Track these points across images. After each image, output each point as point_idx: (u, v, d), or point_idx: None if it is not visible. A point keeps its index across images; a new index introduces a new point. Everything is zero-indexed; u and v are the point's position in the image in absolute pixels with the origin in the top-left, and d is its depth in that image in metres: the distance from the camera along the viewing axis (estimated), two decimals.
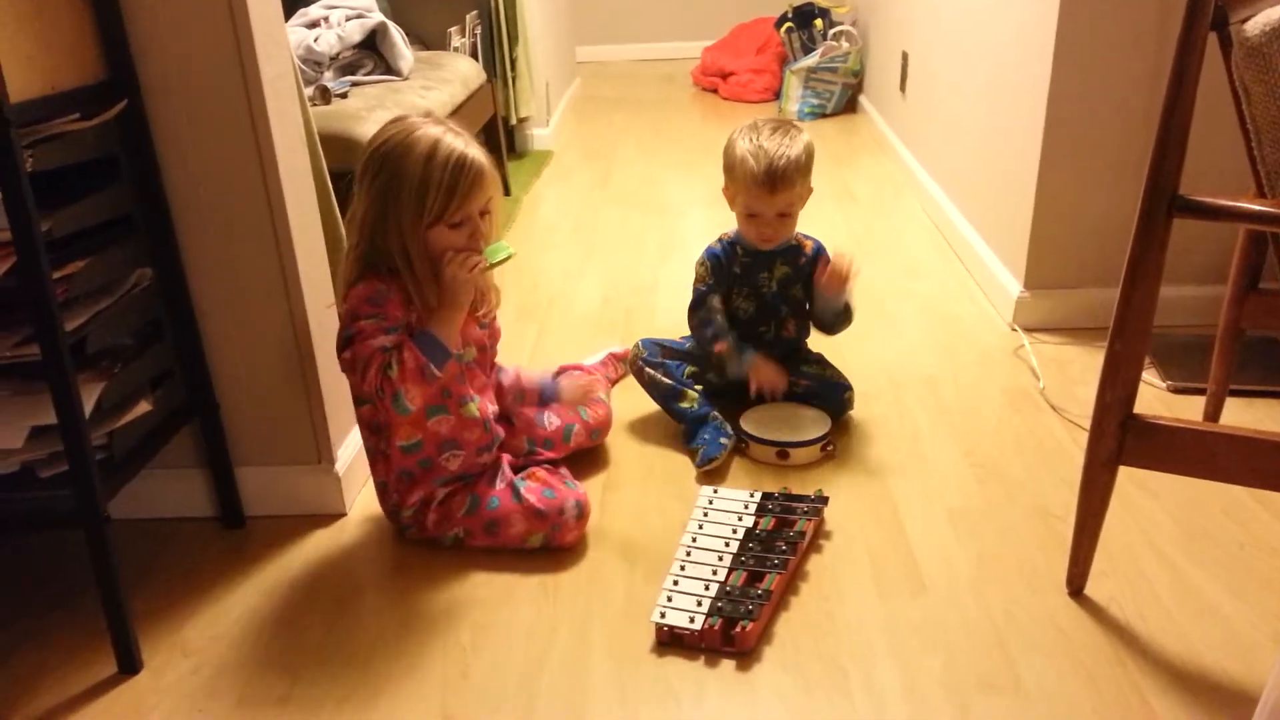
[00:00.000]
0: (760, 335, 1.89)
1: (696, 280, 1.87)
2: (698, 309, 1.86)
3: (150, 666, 1.35)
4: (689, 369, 1.88)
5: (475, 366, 1.58)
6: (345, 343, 1.43)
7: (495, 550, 1.53)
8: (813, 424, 1.79)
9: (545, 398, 1.73)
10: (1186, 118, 1.16)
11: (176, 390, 1.52)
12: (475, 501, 1.53)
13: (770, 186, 1.73)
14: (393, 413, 1.40)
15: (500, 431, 1.62)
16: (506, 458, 1.63)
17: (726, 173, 1.80)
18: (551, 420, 1.72)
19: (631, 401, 1.95)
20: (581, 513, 1.53)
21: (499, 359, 1.71)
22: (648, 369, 1.87)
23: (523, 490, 1.53)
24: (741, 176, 1.75)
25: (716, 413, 1.81)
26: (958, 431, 1.84)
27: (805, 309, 1.91)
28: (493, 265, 1.47)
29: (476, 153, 1.42)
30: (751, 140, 1.74)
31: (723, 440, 1.75)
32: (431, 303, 1.43)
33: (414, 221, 1.39)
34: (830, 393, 1.86)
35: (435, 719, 1.24)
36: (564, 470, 1.65)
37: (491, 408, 1.60)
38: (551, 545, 1.53)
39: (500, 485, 1.55)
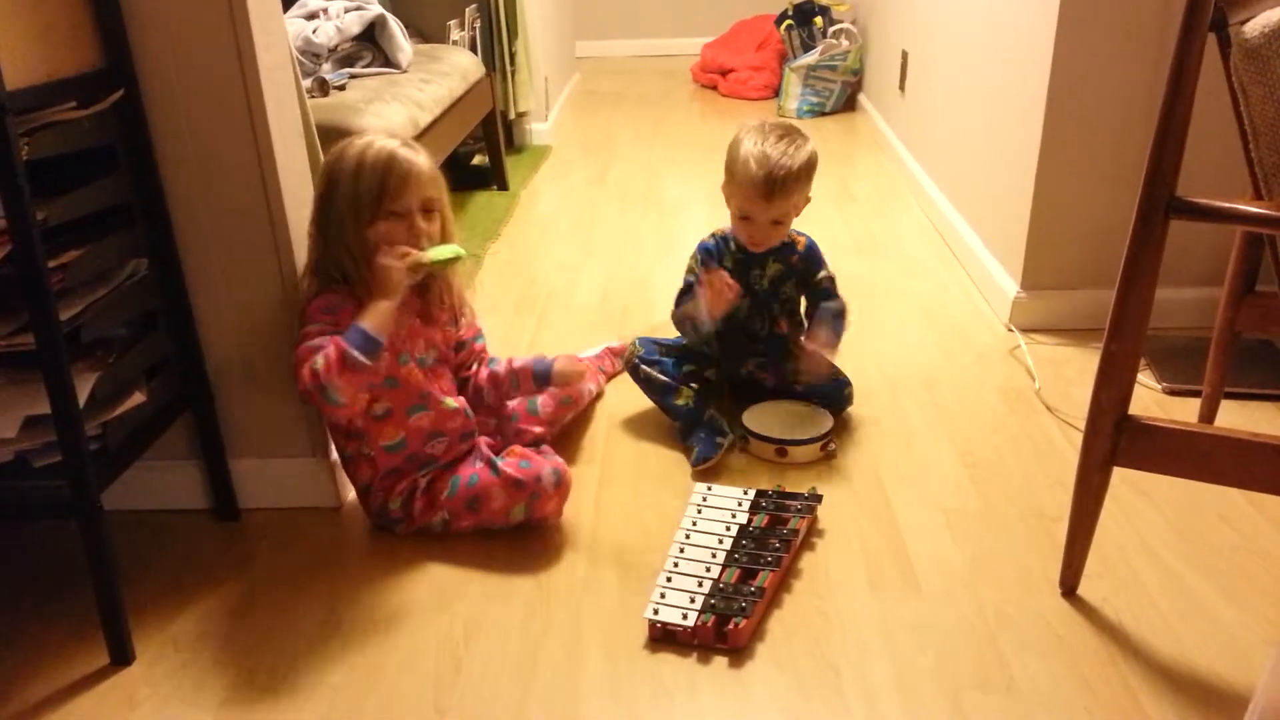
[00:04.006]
0: (755, 333, 1.89)
1: (687, 271, 1.87)
2: (682, 298, 1.86)
3: (143, 658, 1.35)
4: (686, 367, 1.88)
5: (441, 366, 1.60)
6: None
7: (481, 530, 1.54)
8: (813, 422, 1.79)
9: (539, 379, 1.68)
10: (1185, 119, 1.16)
11: (171, 381, 1.52)
12: (455, 482, 1.54)
13: (767, 195, 1.72)
14: (326, 407, 1.40)
15: (475, 424, 1.63)
16: (485, 440, 1.63)
17: (727, 171, 1.79)
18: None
19: (626, 398, 1.95)
20: (560, 480, 1.54)
21: (493, 350, 1.73)
22: (643, 366, 1.86)
23: (500, 464, 1.54)
24: (741, 179, 1.74)
25: (713, 410, 1.81)
26: (953, 431, 1.84)
27: (798, 306, 1.91)
28: (437, 263, 1.47)
29: (410, 153, 1.47)
30: (757, 144, 1.73)
31: (718, 440, 1.75)
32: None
33: (353, 221, 1.44)
34: (829, 388, 1.85)
35: (428, 712, 1.24)
36: (545, 447, 1.66)
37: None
38: (533, 519, 1.54)
39: (478, 464, 1.56)
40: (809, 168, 1.75)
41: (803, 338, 1.84)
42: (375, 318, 1.41)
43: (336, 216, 1.45)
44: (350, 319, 1.43)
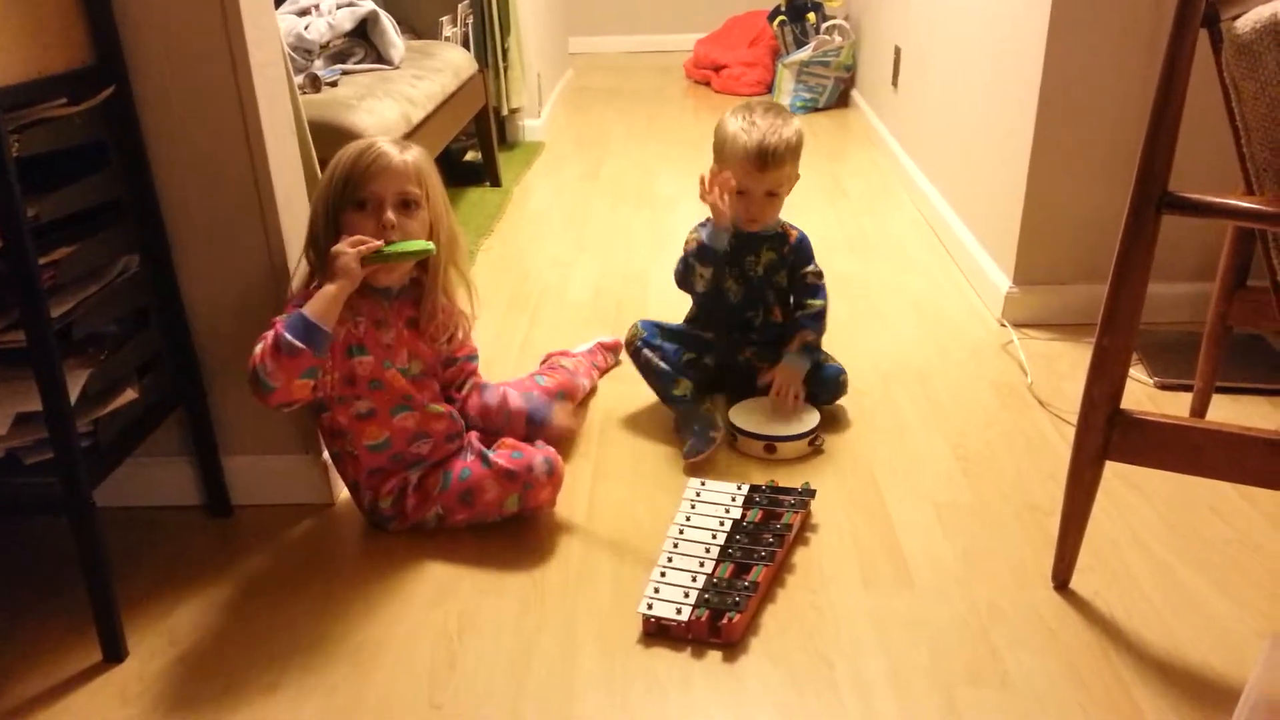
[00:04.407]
0: (749, 321, 1.89)
1: (686, 245, 1.85)
2: (682, 266, 1.85)
3: (136, 655, 1.35)
4: (686, 355, 1.87)
5: (426, 379, 1.57)
6: None
7: (475, 524, 1.54)
8: (801, 418, 1.79)
9: (533, 423, 1.64)
10: (1177, 114, 1.16)
11: (163, 378, 1.52)
12: (447, 477, 1.54)
13: (761, 165, 1.73)
14: (259, 394, 1.36)
15: (461, 426, 1.62)
16: (474, 434, 1.62)
17: (716, 152, 1.80)
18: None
19: (620, 393, 1.95)
20: (552, 469, 1.54)
21: (484, 374, 1.70)
22: (645, 350, 1.84)
23: (491, 456, 1.54)
24: (731, 154, 1.75)
25: (709, 404, 1.81)
26: (946, 426, 1.85)
27: (789, 297, 1.91)
28: (396, 256, 1.42)
29: (386, 146, 1.45)
30: (744, 118, 1.75)
31: (711, 434, 1.75)
32: (380, 303, 1.49)
33: (324, 211, 1.44)
34: (825, 376, 1.86)
35: (423, 708, 1.24)
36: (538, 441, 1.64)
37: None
38: (527, 509, 1.54)
39: (470, 457, 1.56)
40: (798, 139, 1.77)
41: (784, 350, 1.84)
42: (316, 303, 1.37)
43: (315, 208, 1.47)
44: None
